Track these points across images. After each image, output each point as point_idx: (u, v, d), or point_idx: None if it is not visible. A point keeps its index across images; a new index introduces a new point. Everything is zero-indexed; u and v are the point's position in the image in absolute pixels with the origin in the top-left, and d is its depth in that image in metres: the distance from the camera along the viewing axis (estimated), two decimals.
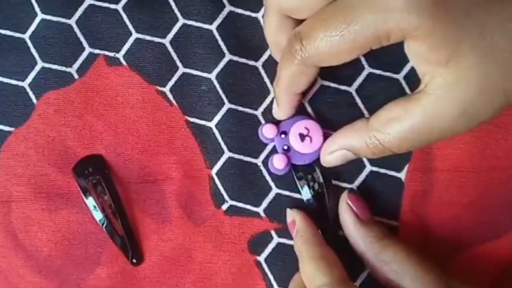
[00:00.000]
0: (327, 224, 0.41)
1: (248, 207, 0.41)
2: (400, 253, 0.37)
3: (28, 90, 0.42)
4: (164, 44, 0.42)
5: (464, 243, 0.41)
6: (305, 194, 0.41)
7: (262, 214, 0.41)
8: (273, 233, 0.41)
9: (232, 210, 0.41)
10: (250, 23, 0.42)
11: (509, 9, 0.31)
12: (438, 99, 0.32)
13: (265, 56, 0.41)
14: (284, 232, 0.41)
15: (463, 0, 0.31)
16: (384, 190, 0.41)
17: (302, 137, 0.40)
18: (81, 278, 0.41)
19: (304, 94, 0.39)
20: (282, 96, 0.38)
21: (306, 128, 0.40)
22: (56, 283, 0.41)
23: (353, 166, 0.41)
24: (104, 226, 0.41)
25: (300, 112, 0.41)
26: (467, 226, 0.41)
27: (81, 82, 0.42)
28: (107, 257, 0.41)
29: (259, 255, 0.41)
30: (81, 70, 0.42)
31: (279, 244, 0.41)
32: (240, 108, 0.41)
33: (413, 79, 0.41)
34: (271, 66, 0.41)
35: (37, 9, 0.42)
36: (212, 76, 0.41)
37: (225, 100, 0.41)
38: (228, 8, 0.42)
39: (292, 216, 0.40)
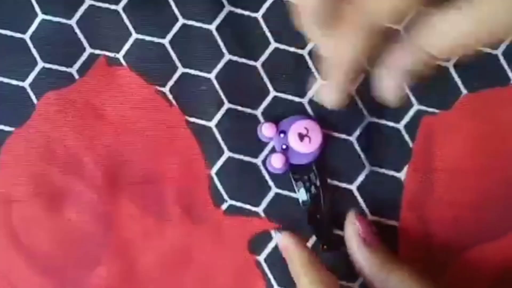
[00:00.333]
0: (322, 226, 0.41)
1: (248, 206, 0.41)
2: (406, 279, 0.36)
3: (29, 90, 0.42)
4: (164, 44, 0.42)
5: (464, 244, 0.41)
6: (301, 195, 0.41)
7: (262, 214, 0.41)
8: (273, 233, 0.41)
9: (231, 210, 0.41)
10: (250, 23, 0.42)
11: None
12: None
13: (265, 56, 0.42)
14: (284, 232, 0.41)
15: None
16: (384, 190, 0.41)
17: (301, 136, 0.40)
18: (81, 278, 0.41)
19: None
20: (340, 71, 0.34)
21: (306, 128, 0.40)
22: (56, 283, 0.41)
23: (353, 165, 0.41)
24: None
25: (299, 112, 0.41)
26: (467, 227, 0.41)
27: (81, 82, 0.42)
28: (107, 257, 0.41)
29: (258, 255, 0.41)
30: (82, 70, 0.42)
31: None
32: (240, 108, 0.41)
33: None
34: (271, 66, 0.41)
35: (37, 9, 0.42)
36: (212, 76, 0.41)
37: (225, 100, 0.41)
38: (228, 8, 0.42)
39: (284, 241, 0.39)
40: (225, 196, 0.41)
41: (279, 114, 0.41)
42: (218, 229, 0.41)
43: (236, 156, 0.41)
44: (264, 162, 0.41)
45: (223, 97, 0.41)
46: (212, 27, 0.42)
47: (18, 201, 0.41)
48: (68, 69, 0.42)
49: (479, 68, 0.41)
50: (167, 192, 0.41)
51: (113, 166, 0.42)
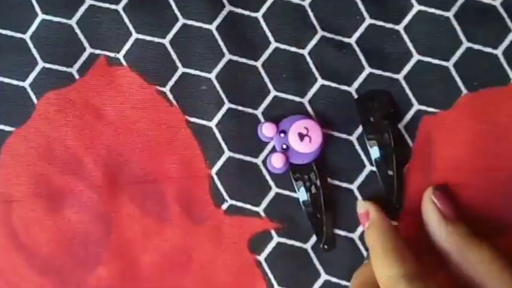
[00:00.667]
0: (322, 226, 0.41)
1: (248, 206, 0.41)
2: (486, 254, 0.36)
3: (29, 90, 0.42)
4: (164, 44, 0.42)
5: None
6: (301, 195, 0.41)
7: (262, 213, 0.41)
8: (273, 232, 0.41)
9: (232, 210, 0.41)
10: (250, 23, 0.42)
11: None
12: None
13: (265, 56, 0.42)
14: (284, 231, 0.41)
15: None
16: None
17: (301, 136, 0.40)
18: (82, 278, 0.41)
19: None
20: None
21: (306, 128, 0.40)
22: (56, 283, 0.41)
23: (353, 166, 0.41)
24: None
25: (300, 111, 0.41)
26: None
27: (81, 82, 0.42)
28: (107, 257, 0.41)
29: (259, 254, 0.41)
30: (82, 70, 0.42)
31: (279, 243, 0.41)
32: (240, 108, 0.41)
33: (413, 79, 0.41)
34: (271, 65, 0.41)
35: (37, 9, 0.42)
36: (212, 76, 0.41)
37: (225, 100, 0.41)
38: (228, 8, 0.42)
39: (366, 207, 0.40)
40: (226, 196, 0.41)
41: (279, 114, 0.41)
42: (218, 229, 0.41)
43: (237, 156, 0.41)
44: (264, 162, 0.41)
45: (223, 97, 0.41)
46: (212, 27, 0.42)
47: (18, 201, 0.41)
48: (68, 69, 0.42)
49: (479, 67, 0.41)
50: (167, 192, 0.41)
51: (113, 166, 0.42)
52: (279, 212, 0.41)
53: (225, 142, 0.41)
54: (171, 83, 0.42)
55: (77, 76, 0.42)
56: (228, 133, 0.41)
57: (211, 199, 0.41)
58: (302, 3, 0.42)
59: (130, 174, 0.42)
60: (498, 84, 0.41)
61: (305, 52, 0.42)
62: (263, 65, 0.42)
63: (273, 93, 0.42)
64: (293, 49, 0.42)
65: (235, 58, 0.42)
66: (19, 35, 0.42)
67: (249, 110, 0.42)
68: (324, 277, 0.41)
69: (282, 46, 0.42)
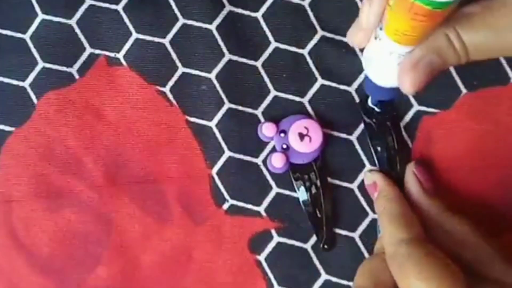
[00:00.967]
0: (322, 225, 0.41)
1: (249, 206, 0.41)
2: (463, 225, 0.37)
3: (29, 90, 0.42)
4: (164, 44, 0.42)
5: None
6: (301, 195, 0.41)
7: (263, 213, 0.41)
8: (273, 232, 0.41)
9: (233, 210, 0.41)
10: (250, 23, 0.42)
11: None
12: None
13: (265, 56, 0.42)
14: (284, 231, 0.41)
15: None
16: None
17: (302, 136, 0.40)
18: (81, 278, 0.41)
19: None
20: None
21: (306, 128, 0.40)
22: (57, 283, 0.41)
23: (353, 165, 0.41)
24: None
25: (300, 111, 0.41)
26: None
27: (81, 82, 0.42)
28: (107, 257, 0.41)
29: (259, 254, 0.41)
30: (82, 70, 0.42)
31: (279, 243, 0.41)
32: (240, 108, 0.41)
33: None
34: (271, 65, 0.42)
35: (37, 9, 0.42)
36: (212, 75, 0.41)
37: (225, 100, 0.41)
38: (228, 8, 0.42)
39: (373, 178, 0.40)
40: (226, 196, 0.41)
41: (279, 114, 0.41)
42: (218, 229, 0.41)
43: (237, 155, 0.41)
44: (264, 161, 0.41)
45: (223, 96, 0.41)
46: (212, 27, 0.42)
47: (18, 201, 0.41)
48: (68, 69, 0.42)
49: (479, 67, 0.41)
50: (167, 192, 0.41)
51: (113, 166, 0.42)
52: (279, 212, 0.41)
53: (225, 142, 0.41)
54: (171, 83, 0.42)
55: (77, 76, 0.42)
56: (228, 133, 0.41)
57: (212, 199, 0.41)
58: (302, 3, 0.42)
59: (130, 174, 0.42)
60: (498, 84, 0.41)
61: (305, 52, 0.42)
62: (263, 65, 0.42)
63: (273, 93, 0.42)
64: (293, 49, 0.42)
65: (235, 58, 0.42)
66: (19, 35, 0.42)
67: (249, 110, 0.42)
68: (324, 277, 0.41)
69: (282, 46, 0.42)
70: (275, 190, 0.41)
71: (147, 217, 0.42)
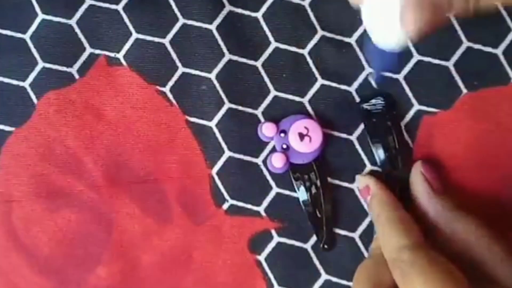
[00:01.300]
0: (322, 225, 0.41)
1: (249, 206, 0.41)
2: (470, 225, 0.37)
3: (29, 90, 0.42)
4: (164, 44, 0.42)
5: None
6: (301, 194, 0.41)
7: (263, 213, 0.41)
8: (273, 232, 0.41)
9: (232, 210, 0.41)
10: (250, 23, 0.42)
11: None
12: None
13: (265, 56, 0.42)
14: (284, 231, 0.41)
15: None
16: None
17: (302, 136, 0.40)
18: (82, 278, 0.41)
19: None
20: None
21: (306, 128, 0.40)
22: (57, 283, 0.41)
23: (354, 165, 0.41)
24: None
25: (300, 111, 0.41)
26: None
27: (81, 82, 0.42)
28: (107, 257, 0.41)
29: (259, 254, 0.41)
30: (82, 70, 0.42)
31: (279, 243, 0.41)
32: (240, 108, 0.41)
33: (413, 79, 0.41)
34: (271, 65, 0.42)
35: (37, 9, 0.42)
36: (212, 75, 0.41)
37: (225, 100, 0.41)
38: (228, 8, 0.42)
39: (365, 181, 0.40)
40: (226, 196, 0.41)
41: (279, 114, 0.41)
42: (218, 229, 0.41)
43: (237, 155, 0.41)
44: (264, 161, 0.41)
45: (223, 96, 0.41)
46: (212, 27, 0.42)
47: (18, 201, 0.41)
48: (68, 69, 0.42)
49: (479, 67, 0.41)
50: (167, 192, 0.41)
51: (113, 166, 0.42)
52: (279, 212, 0.41)
53: (225, 142, 0.41)
54: (171, 83, 0.42)
55: (77, 76, 0.42)
56: (228, 133, 0.41)
57: (212, 199, 0.41)
58: (302, 3, 0.42)
59: (130, 174, 0.42)
60: (498, 84, 0.41)
61: (305, 52, 0.42)
62: (263, 65, 0.42)
63: (273, 93, 0.42)
64: (293, 49, 0.42)
65: (235, 58, 0.42)
66: (19, 35, 0.42)
67: (249, 110, 0.42)
68: (324, 277, 0.41)
69: (282, 46, 0.42)
70: (275, 190, 0.41)
71: (147, 217, 0.42)
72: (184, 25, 0.42)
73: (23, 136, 0.42)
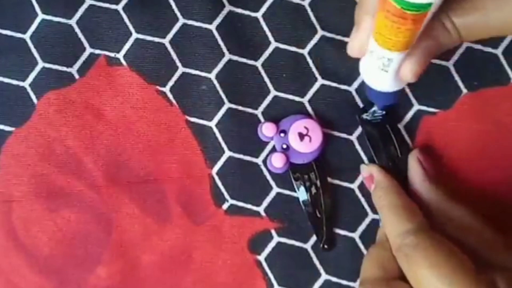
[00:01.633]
0: (322, 225, 0.41)
1: (249, 206, 0.41)
2: (467, 212, 0.37)
3: (29, 90, 0.42)
4: (164, 44, 0.42)
5: None
6: (301, 194, 0.41)
7: (263, 213, 0.41)
8: (273, 232, 0.41)
9: (232, 210, 0.41)
10: (250, 23, 0.42)
11: None
12: None
13: (265, 56, 0.42)
14: (284, 231, 0.41)
15: None
16: None
17: (301, 136, 0.40)
18: (82, 278, 0.41)
19: None
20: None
21: (306, 128, 0.40)
22: (57, 283, 0.41)
23: (353, 165, 0.41)
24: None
25: (299, 111, 0.41)
26: None
27: (81, 82, 0.42)
28: (107, 257, 0.41)
29: (259, 254, 0.41)
30: (82, 70, 0.42)
31: (279, 243, 0.41)
32: (240, 108, 0.41)
33: None
34: (271, 65, 0.42)
35: (37, 9, 0.42)
36: (212, 75, 0.41)
37: (225, 100, 0.41)
38: (228, 8, 0.42)
39: (369, 170, 0.40)
40: (226, 196, 0.41)
41: (279, 114, 0.41)
42: (218, 229, 0.41)
43: (237, 155, 0.41)
44: (264, 161, 0.41)
45: (223, 96, 0.41)
46: (212, 27, 0.42)
47: (18, 201, 0.41)
48: (68, 69, 0.42)
49: (479, 67, 0.41)
50: (167, 192, 0.41)
51: (113, 166, 0.42)
52: (279, 212, 0.41)
53: (225, 142, 0.41)
54: (171, 83, 0.42)
55: (77, 76, 0.42)
56: (228, 133, 0.41)
57: (212, 199, 0.41)
58: (302, 3, 0.42)
59: (130, 174, 0.42)
60: (498, 84, 0.41)
61: (305, 52, 0.42)
62: (263, 65, 0.42)
63: (273, 93, 0.42)
64: (293, 49, 0.42)
65: (235, 58, 0.42)
66: (19, 35, 0.42)
67: (249, 110, 0.42)
68: (324, 277, 0.41)
69: (282, 46, 0.42)
70: (275, 190, 0.41)
71: (147, 217, 0.42)
72: (184, 25, 0.42)
73: (23, 136, 0.42)
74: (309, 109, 0.41)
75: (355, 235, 0.41)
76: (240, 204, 0.41)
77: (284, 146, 0.40)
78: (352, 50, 0.35)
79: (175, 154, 0.42)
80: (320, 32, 0.42)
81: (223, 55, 0.42)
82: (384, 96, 0.36)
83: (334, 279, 0.41)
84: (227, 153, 0.41)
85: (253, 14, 0.42)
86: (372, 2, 0.30)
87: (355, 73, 0.41)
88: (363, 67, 0.36)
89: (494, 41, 0.41)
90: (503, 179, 0.41)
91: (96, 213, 0.42)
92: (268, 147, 0.41)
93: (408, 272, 0.34)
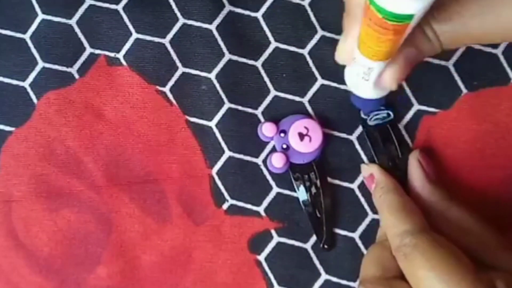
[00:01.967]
0: (322, 225, 0.41)
1: (249, 206, 0.41)
2: (465, 213, 0.37)
3: (29, 90, 0.42)
4: (164, 44, 0.42)
5: None
6: (301, 194, 0.41)
7: (263, 213, 0.41)
8: (273, 232, 0.41)
9: (232, 210, 0.41)
10: (250, 23, 0.42)
11: None
12: None
13: (265, 56, 0.42)
14: (284, 231, 0.41)
15: None
16: None
17: (301, 136, 0.40)
18: (82, 278, 0.41)
19: None
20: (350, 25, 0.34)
21: (306, 128, 0.40)
22: (57, 283, 0.41)
23: (353, 165, 0.41)
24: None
25: (299, 111, 0.41)
26: None
27: (81, 82, 0.42)
28: (107, 256, 0.41)
29: (259, 254, 0.41)
30: (82, 70, 0.42)
31: (279, 243, 0.41)
32: (240, 108, 0.41)
33: (413, 79, 0.41)
34: (271, 65, 0.42)
35: (37, 9, 0.42)
36: (212, 75, 0.41)
37: (225, 100, 0.41)
38: (228, 8, 0.42)
39: (369, 170, 0.40)
40: (226, 196, 0.41)
41: (279, 114, 0.41)
42: (218, 229, 0.41)
43: (237, 155, 0.41)
44: (264, 161, 0.41)
45: (223, 96, 0.41)
46: (212, 27, 0.42)
47: (18, 201, 0.41)
48: (68, 69, 0.42)
49: (479, 67, 0.41)
50: (167, 192, 0.41)
51: (113, 166, 0.42)
52: (279, 211, 0.41)
53: (225, 142, 0.41)
54: (171, 83, 0.42)
55: (77, 76, 0.42)
56: (228, 133, 0.41)
57: (212, 199, 0.41)
58: (302, 3, 0.42)
59: (130, 174, 0.42)
60: (498, 84, 0.41)
61: (305, 52, 0.42)
62: (263, 65, 0.42)
63: (273, 93, 0.42)
64: (293, 49, 0.42)
65: (235, 58, 0.42)
66: (19, 35, 0.42)
67: (249, 110, 0.42)
68: (324, 277, 0.41)
69: (282, 46, 0.42)
70: (275, 190, 0.41)
71: (147, 217, 0.42)
72: (184, 25, 0.42)
73: (23, 136, 0.42)
74: (309, 109, 0.42)
75: (355, 235, 0.41)
76: (240, 204, 0.41)
77: (284, 146, 0.40)
78: (340, 57, 0.35)
79: (175, 154, 0.42)
80: (320, 32, 0.42)
81: (223, 55, 0.42)
82: (368, 103, 0.37)
83: (334, 279, 0.41)
84: (227, 153, 0.41)
85: (253, 14, 0.42)
86: (359, 9, 0.30)
87: None
88: (347, 74, 0.36)
89: None
90: (503, 179, 0.41)
91: (96, 213, 0.42)
92: (268, 147, 0.41)
93: (407, 272, 0.34)
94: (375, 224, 0.41)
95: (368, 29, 0.29)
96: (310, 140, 0.40)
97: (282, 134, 0.40)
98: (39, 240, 0.41)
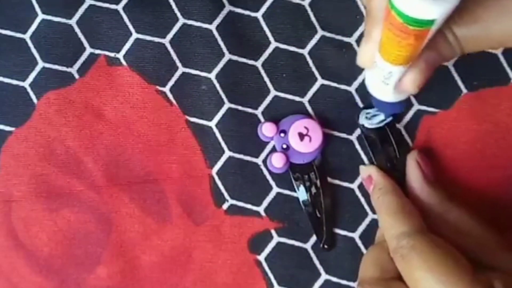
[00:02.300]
0: (322, 225, 0.41)
1: (249, 206, 0.41)
2: (464, 214, 0.37)
3: (29, 90, 0.42)
4: (164, 44, 0.42)
5: None
6: (301, 194, 0.41)
7: (263, 213, 0.41)
8: (273, 232, 0.41)
9: (232, 210, 0.41)
10: (250, 23, 0.42)
11: None
12: None
13: (265, 56, 0.42)
14: (284, 231, 0.41)
15: None
16: None
17: (301, 136, 0.40)
18: (82, 278, 0.41)
19: None
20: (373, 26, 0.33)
21: (306, 128, 0.40)
22: (57, 283, 0.41)
23: (353, 165, 0.41)
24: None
25: (299, 111, 0.41)
26: None
27: (81, 82, 0.42)
28: (107, 257, 0.41)
29: (259, 254, 0.41)
30: (82, 70, 0.42)
31: (279, 243, 0.41)
32: (240, 108, 0.41)
33: None
34: (271, 65, 0.42)
35: (37, 9, 0.42)
36: (212, 75, 0.41)
37: (225, 100, 0.41)
38: (228, 8, 0.42)
39: (367, 171, 0.40)
40: (226, 196, 0.41)
41: (279, 114, 0.41)
42: (218, 229, 0.41)
43: (237, 155, 0.41)
44: (264, 161, 0.41)
45: (223, 96, 0.41)
46: (212, 27, 0.42)
47: (18, 201, 0.41)
48: (68, 69, 0.42)
49: (479, 67, 0.41)
50: (167, 192, 0.41)
51: (113, 166, 0.42)
52: (279, 211, 0.41)
53: (225, 142, 0.41)
54: (171, 83, 0.42)
55: (77, 76, 0.42)
56: (228, 133, 0.41)
57: (212, 199, 0.41)
58: (302, 3, 0.42)
59: (130, 174, 0.42)
60: (498, 84, 0.41)
61: (305, 52, 0.42)
62: (263, 65, 0.42)
63: (273, 93, 0.42)
64: (293, 49, 0.42)
65: (235, 58, 0.42)
66: (19, 35, 0.42)
67: (249, 110, 0.42)
68: (324, 277, 0.41)
69: (282, 46, 0.42)
70: (275, 190, 0.41)
71: (147, 217, 0.42)
72: (184, 25, 0.42)
73: (23, 136, 0.42)
74: (309, 109, 0.42)
75: (355, 235, 0.41)
76: (240, 204, 0.41)
77: (284, 146, 0.40)
78: (361, 60, 0.34)
79: (175, 154, 0.42)
80: (320, 32, 0.42)
81: (223, 55, 0.42)
82: (389, 106, 0.36)
83: (334, 279, 0.41)
84: (227, 153, 0.41)
85: (253, 14, 0.42)
86: (381, 13, 0.30)
87: (355, 73, 0.41)
88: (367, 77, 0.36)
89: None
90: (503, 179, 0.41)
91: (96, 213, 0.42)
92: (268, 147, 0.41)
93: (405, 273, 0.34)
94: (375, 224, 0.41)
95: (389, 33, 0.29)
96: (310, 140, 0.40)
97: (282, 134, 0.40)
98: (39, 240, 0.41)
